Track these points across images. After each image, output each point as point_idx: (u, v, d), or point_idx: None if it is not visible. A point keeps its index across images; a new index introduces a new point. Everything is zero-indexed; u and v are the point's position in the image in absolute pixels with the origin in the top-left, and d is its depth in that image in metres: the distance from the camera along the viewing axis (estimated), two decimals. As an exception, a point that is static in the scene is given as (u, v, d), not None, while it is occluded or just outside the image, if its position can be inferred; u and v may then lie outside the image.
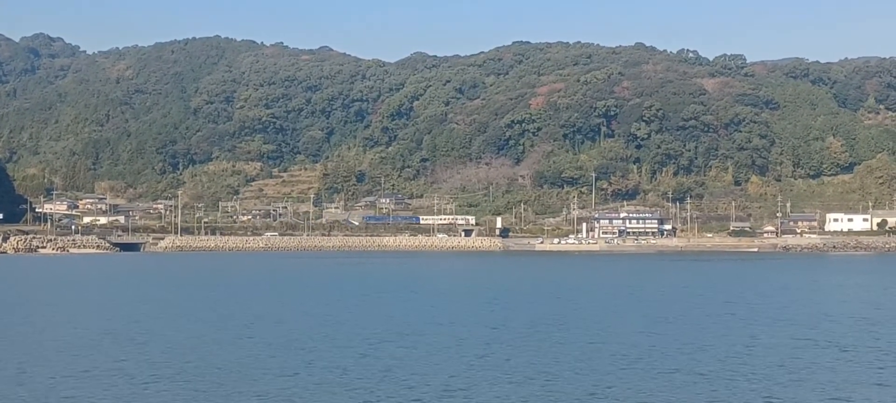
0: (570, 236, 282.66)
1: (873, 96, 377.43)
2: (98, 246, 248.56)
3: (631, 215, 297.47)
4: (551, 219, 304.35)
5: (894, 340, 55.83)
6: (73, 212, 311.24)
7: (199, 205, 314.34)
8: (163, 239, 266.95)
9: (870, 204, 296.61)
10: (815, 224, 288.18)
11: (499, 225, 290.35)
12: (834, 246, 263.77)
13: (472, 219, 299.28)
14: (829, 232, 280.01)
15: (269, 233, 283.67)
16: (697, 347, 51.71)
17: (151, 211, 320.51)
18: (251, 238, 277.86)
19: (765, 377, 42.35)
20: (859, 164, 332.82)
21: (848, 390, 39.75)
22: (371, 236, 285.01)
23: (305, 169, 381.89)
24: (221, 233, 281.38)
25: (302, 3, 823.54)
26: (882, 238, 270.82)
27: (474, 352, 49.13)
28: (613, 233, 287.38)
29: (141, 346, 51.69)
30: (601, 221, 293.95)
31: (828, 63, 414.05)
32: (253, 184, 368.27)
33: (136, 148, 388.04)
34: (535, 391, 38.95)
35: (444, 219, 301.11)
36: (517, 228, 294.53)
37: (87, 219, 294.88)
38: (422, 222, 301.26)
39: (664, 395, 38.27)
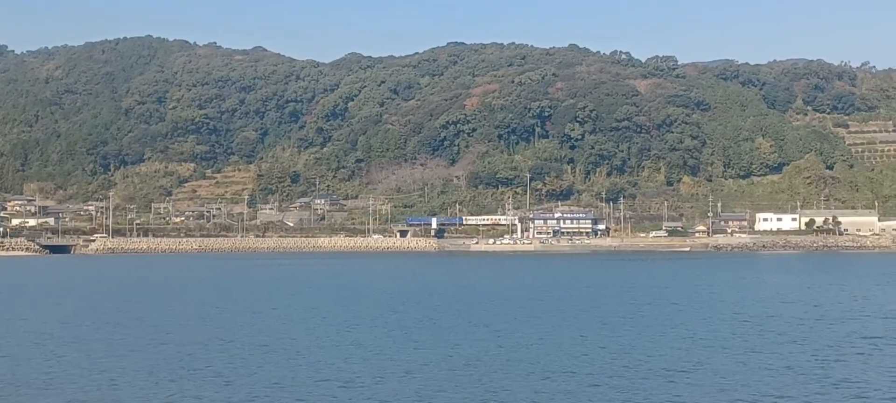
0: (505, 236, 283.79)
1: (801, 97, 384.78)
2: (27, 248, 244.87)
3: (565, 215, 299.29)
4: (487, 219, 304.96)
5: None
6: (1, 214, 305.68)
7: (131, 207, 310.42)
8: (94, 240, 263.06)
9: (798, 203, 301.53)
10: (745, 223, 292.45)
11: (434, 225, 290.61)
12: (764, 246, 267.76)
13: (515, 219, 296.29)
14: (759, 232, 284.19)
15: (253, 235, 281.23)
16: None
17: (82, 213, 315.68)
18: (184, 239, 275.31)
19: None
20: (788, 165, 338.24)
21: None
22: (306, 237, 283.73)
23: (239, 170, 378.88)
24: (154, 235, 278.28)
25: (235, 3, 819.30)
26: (810, 237, 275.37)
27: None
28: (548, 234, 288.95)
29: None
30: (536, 221, 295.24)
31: (757, 65, 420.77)
32: (186, 185, 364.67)
33: (66, 149, 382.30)
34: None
35: (488, 220, 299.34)
36: (452, 229, 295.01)
37: (15, 221, 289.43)
38: (465, 223, 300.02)
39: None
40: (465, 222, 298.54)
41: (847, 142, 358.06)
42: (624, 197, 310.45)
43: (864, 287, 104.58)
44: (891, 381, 42.34)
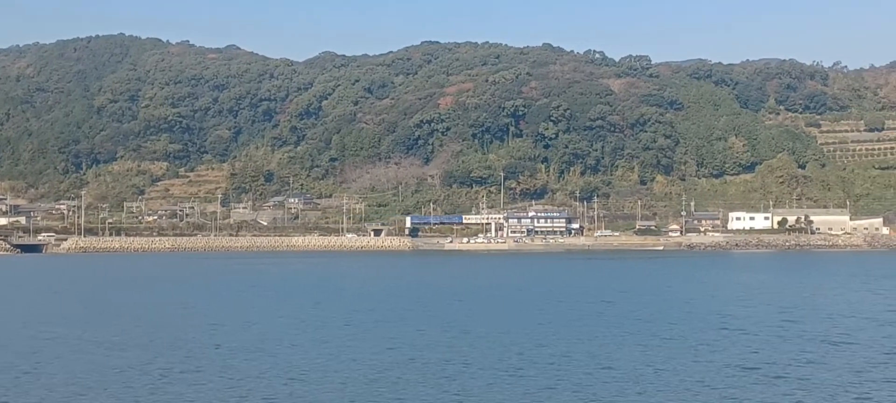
0: (480, 235, 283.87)
1: (773, 97, 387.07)
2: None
3: (539, 214, 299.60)
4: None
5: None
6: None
7: (104, 206, 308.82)
8: (65, 240, 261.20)
9: (770, 202, 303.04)
10: (718, 222, 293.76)
11: (408, 224, 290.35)
12: (736, 244, 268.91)
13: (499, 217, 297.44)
14: (732, 231, 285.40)
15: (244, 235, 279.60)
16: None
17: (54, 212, 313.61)
18: (157, 238, 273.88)
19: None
20: (760, 164, 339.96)
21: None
22: (280, 236, 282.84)
23: (212, 168, 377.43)
24: (126, 234, 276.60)
25: (208, 2, 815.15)
26: (782, 236, 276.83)
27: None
28: (522, 233, 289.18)
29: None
30: (510, 220, 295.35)
31: (730, 64, 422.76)
32: (159, 184, 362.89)
33: (38, 147, 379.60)
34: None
35: (483, 219, 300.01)
36: (427, 228, 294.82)
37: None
38: (464, 221, 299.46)
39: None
40: (464, 221, 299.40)
41: (819, 142, 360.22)
42: (598, 196, 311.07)
43: (832, 286, 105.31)
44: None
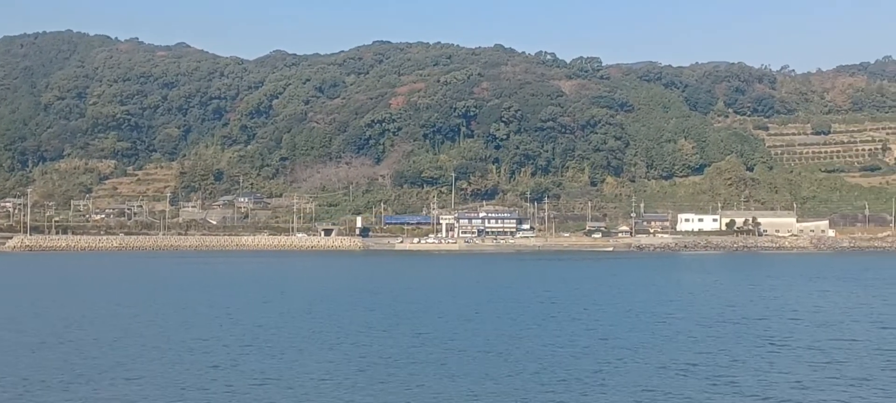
0: (430, 236, 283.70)
1: (722, 100, 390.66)
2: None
3: (490, 215, 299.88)
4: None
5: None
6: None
7: (50, 204, 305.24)
8: (11, 238, 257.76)
9: (719, 204, 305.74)
10: (667, 223, 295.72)
11: (359, 224, 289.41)
12: (685, 246, 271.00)
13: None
14: (681, 232, 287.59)
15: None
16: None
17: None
18: (104, 237, 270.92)
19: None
20: (709, 166, 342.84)
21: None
22: (229, 236, 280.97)
23: (161, 167, 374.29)
24: (73, 233, 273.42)
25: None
26: (730, 237, 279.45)
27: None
28: (473, 233, 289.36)
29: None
30: (461, 221, 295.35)
31: (680, 67, 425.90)
32: (107, 182, 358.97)
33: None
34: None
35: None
36: (377, 228, 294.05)
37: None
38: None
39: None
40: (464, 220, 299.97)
41: (767, 144, 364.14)
42: (548, 197, 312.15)
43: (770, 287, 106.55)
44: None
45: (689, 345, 55.86)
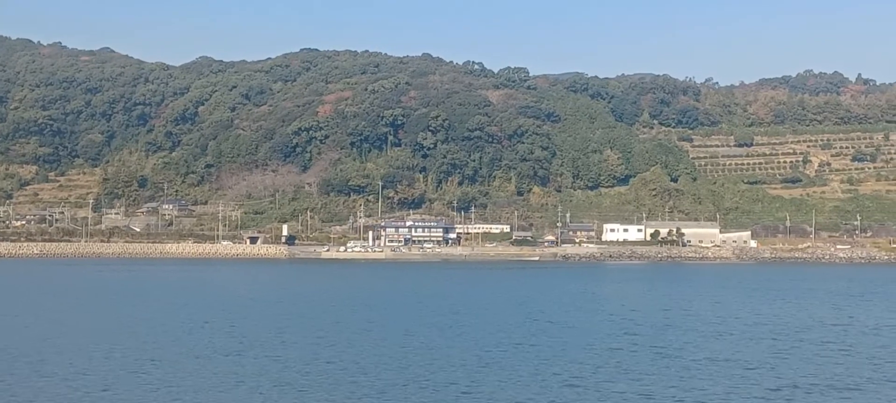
0: (357, 244, 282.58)
1: (647, 111, 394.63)
2: None
3: (417, 223, 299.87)
4: (338, 227, 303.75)
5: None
6: None
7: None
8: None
9: (644, 215, 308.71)
10: (592, 233, 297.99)
11: (285, 232, 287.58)
12: (610, 256, 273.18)
13: (501, 228, 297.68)
14: (606, 242, 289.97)
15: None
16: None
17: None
18: (25, 244, 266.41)
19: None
20: (634, 177, 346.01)
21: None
22: (153, 243, 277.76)
23: (84, 173, 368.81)
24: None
25: (82, 3, 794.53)
26: (655, 248, 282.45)
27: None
28: (399, 242, 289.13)
29: None
30: (387, 229, 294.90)
31: (606, 78, 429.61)
32: (27, 187, 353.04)
33: None
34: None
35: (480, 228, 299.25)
36: (303, 236, 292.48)
37: None
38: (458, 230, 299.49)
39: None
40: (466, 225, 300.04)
41: (691, 156, 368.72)
42: (475, 206, 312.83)
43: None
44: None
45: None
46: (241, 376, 49.09)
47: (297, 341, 63.68)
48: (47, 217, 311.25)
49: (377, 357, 54.67)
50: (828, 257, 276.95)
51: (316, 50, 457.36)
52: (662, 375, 50.66)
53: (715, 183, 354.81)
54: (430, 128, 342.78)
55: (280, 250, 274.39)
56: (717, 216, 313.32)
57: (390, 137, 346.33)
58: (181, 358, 55.61)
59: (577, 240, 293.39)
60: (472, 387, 45.47)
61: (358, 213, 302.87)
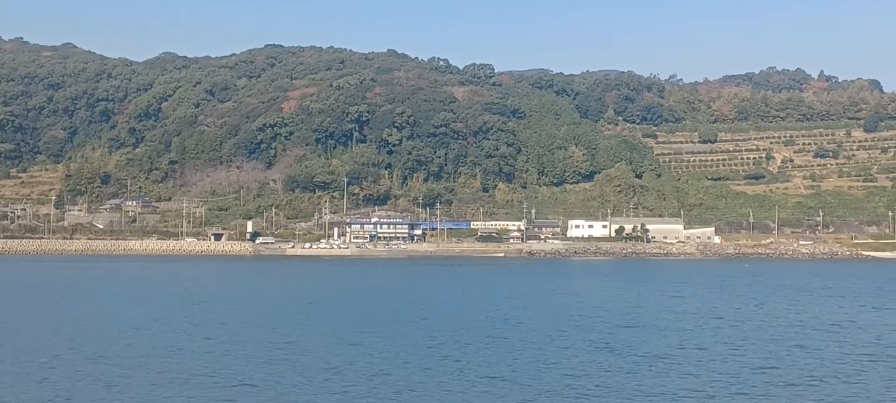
0: (322, 241, 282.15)
1: (612, 108, 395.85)
2: None
3: (382, 220, 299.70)
4: (303, 224, 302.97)
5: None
6: None
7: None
8: None
9: (608, 211, 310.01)
10: (558, 230, 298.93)
11: (249, 229, 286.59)
12: (575, 252, 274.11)
13: (520, 224, 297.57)
14: (571, 239, 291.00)
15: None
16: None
17: None
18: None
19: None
20: (599, 173, 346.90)
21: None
22: (116, 240, 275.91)
23: (46, 169, 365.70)
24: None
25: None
26: (619, 244, 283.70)
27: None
28: (365, 238, 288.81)
29: None
30: (353, 226, 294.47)
31: (571, 75, 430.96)
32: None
33: None
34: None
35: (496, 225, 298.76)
36: (268, 232, 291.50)
37: None
38: (473, 226, 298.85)
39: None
40: (471, 226, 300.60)
41: (655, 152, 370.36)
42: (440, 202, 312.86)
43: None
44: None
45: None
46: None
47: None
48: (9, 213, 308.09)
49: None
50: (791, 253, 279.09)
51: (281, 46, 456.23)
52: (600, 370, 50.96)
53: (679, 179, 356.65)
54: (396, 125, 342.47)
55: (245, 247, 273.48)
56: (682, 212, 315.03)
57: (355, 134, 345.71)
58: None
59: (543, 237, 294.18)
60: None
61: (323, 210, 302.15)
